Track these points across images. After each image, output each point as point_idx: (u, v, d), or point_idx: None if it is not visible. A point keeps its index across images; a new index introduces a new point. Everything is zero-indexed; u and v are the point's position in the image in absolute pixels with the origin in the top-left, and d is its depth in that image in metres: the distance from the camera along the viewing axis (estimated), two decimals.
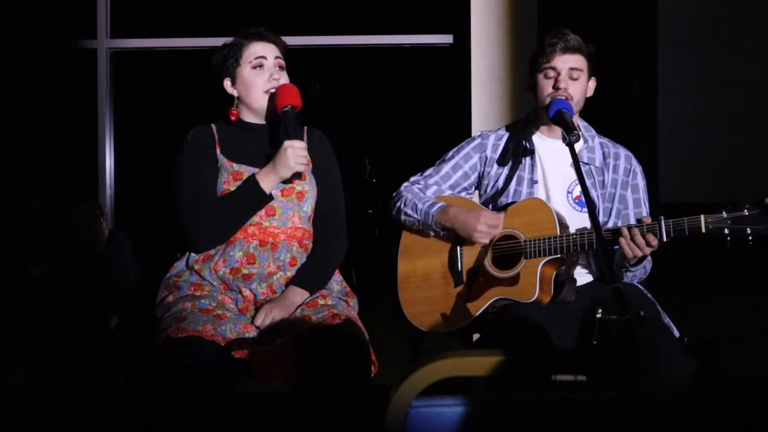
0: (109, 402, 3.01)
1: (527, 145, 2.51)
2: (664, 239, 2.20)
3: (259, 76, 2.33)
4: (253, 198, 2.25)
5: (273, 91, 2.32)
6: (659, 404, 2.03)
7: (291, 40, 4.91)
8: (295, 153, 2.24)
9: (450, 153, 2.63)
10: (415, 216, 2.52)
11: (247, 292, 2.26)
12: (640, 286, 2.46)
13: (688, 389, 2.08)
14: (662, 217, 2.20)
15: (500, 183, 2.51)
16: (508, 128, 2.62)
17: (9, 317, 3.24)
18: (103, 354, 3.18)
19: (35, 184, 3.67)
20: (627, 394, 1.23)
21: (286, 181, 2.29)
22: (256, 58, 2.34)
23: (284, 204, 2.31)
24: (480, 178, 2.60)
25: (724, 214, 2.13)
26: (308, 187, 2.36)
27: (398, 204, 2.58)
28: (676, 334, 2.32)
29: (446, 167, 2.60)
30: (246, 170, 2.31)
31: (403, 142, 9.05)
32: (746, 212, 2.12)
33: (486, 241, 2.41)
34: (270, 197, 2.27)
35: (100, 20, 4.55)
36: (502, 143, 2.56)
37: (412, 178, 2.65)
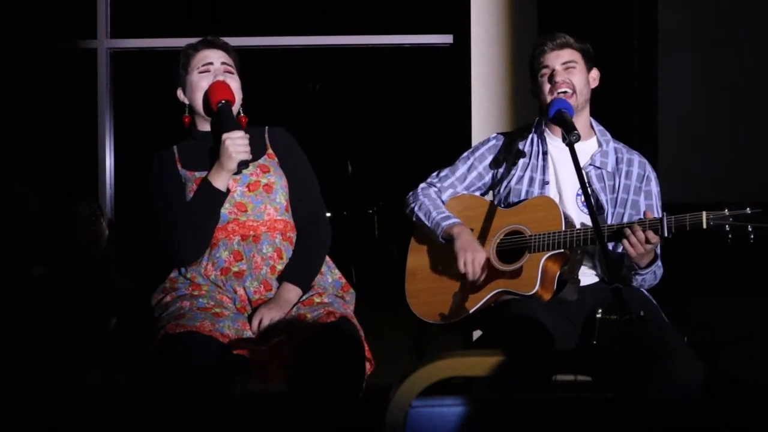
0: (109, 402, 3.01)
1: (540, 147, 2.55)
2: (666, 235, 2.21)
3: (204, 79, 2.37)
4: (208, 197, 2.27)
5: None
6: (669, 408, 2.03)
7: (290, 40, 4.93)
8: (234, 143, 2.24)
9: (465, 153, 2.68)
10: (426, 223, 2.57)
11: (241, 291, 2.27)
12: (642, 289, 2.47)
13: (699, 395, 2.09)
14: (665, 213, 2.21)
15: (513, 183, 2.55)
16: (521, 130, 2.65)
17: (9, 317, 3.23)
18: (103, 354, 3.17)
19: (35, 184, 3.67)
20: (627, 394, 1.23)
21: (239, 172, 2.30)
22: (204, 64, 2.39)
23: (253, 198, 2.33)
24: (494, 178, 2.63)
25: (726, 212, 2.14)
26: (275, 179, 2.37)
27: (413, 206, 2.63)
28: None
29: (461, 168, 2.65)
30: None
31: (403, 142, 9.05)
32: (749, 210, 2.12)
33: (466, 273, 2.43)
34: (224, 193, 2.28)
35: (100, 20, 4.55)
36: (515, 145, 2.60)
37: (429, 180, 2.69)
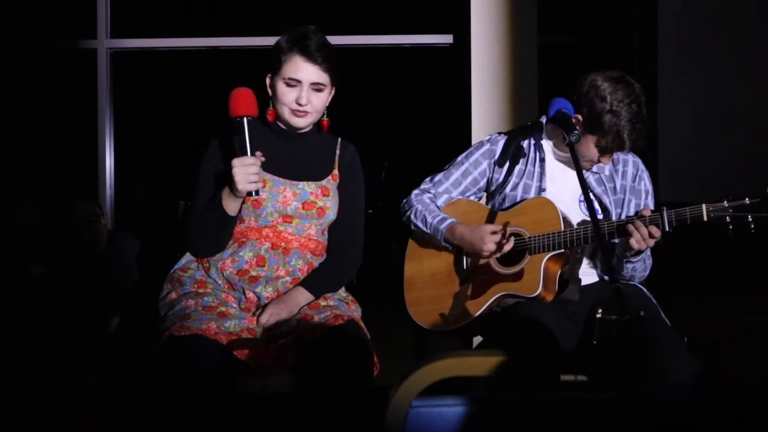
0: (109, 402, 3.01)
1: (538, 152, 2.51)
2: (667, 229, 2.21)
3: (290, 93, 2.26)
4: (219, 218, 2.22)
5: (298, 113, 2.27)
6: (663, 403, 2.03)
7: None
8: (242, 172, 2.12)
9: (459, 158, 2.63)
10: (425, 229, 2.54)
11: (250, 295, 2.25)
12: (641, 287, 2.47)
13: (692, 388, 2.09)
14: (664, 208, 2.22)
15: (508, 189, 2.52)
16: (517, 133, 2.59)
17: (9, 317, 3.23)
18: (103, 354, 3.17)
19: (34, 187, 3.67)
20: (627, 394, 1.23)
21: (244, 201, 2.22)
22: (291, 78, 2.25)
23: (303, 216, 2.29)
24: (489, 183, 2.60)
25: (726, 203, 2.14)
26: (330, 204, 2.34)
27: (409, 214, 2.60)
28: None
29: (456, 173, 2.61)
30: (270, 178, 2.28)
31: (402, 142, 9.05)
32: (748, 201, 2.13)
33: (496, 254, 2.41)
34: (233, 218, 2.23)
35: (100, 20, 4.56)
36: (512, 150, 2.55)
37: (422, 186, 2.65)
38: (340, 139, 2.45)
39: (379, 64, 8.17)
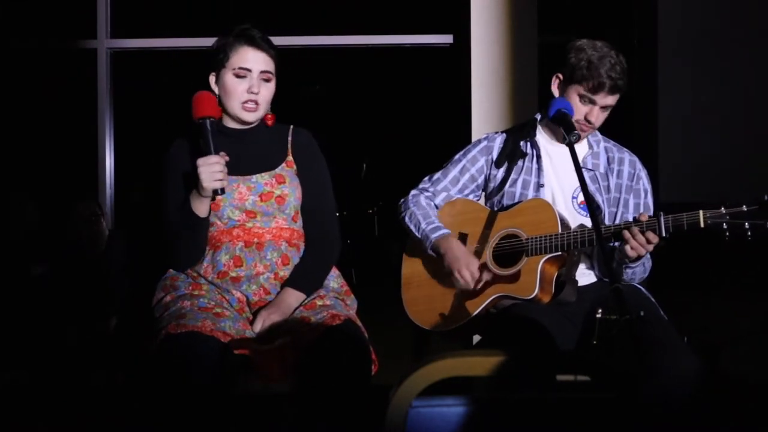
0: (109, 402, 3.01)
1: (534, 148, 2.51)
2: (663, 235, 2.20)
3: (240, 85, 2.29)
4: (190, 221, 2.24)
5: (249, 105, 2.29)
6: (663, 401, 2.03)
7: (290, 40, 4.92)
8: (206, 170, 2.16)
9: (457, 156, 2.63)
10: (417, 234, 2.54)
11: (238, 295, 2.26)
12: (640, 287, 2.46)
13: (692, 387, 2.08)
14: (661, 213, 2.20)
15: (506, 186, 2.51)
16: (514, 131, 2.60)
17: (9, 317, 3.24)
18: (103, 354, 3.18)
19: (33, 189, 3.67)
20: (627, 394, 1.23)
21: (213, 198, 2.23)
22: (241, 68, 2.28)
23: (264, 208, 2.30)
24: (486, 180, 2.60)
25: (723, 210, 2.13)
26: (288, 190, 2.33)
27: (403, 215, 2.60)
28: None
29: (454, 171, 2.61)
30: None
31: (403, 142, 9.05)
32: (745, 208, 2.12)
33: (462, 285, 2.39)
34: (204, 219, 2.24)
35: (100, 20, 4.56)
36: (508, 146, 2.55)
37: (421, 185, 2.65)
38: (291, 127, 2.44)
39: (379, 64, 8.17)
